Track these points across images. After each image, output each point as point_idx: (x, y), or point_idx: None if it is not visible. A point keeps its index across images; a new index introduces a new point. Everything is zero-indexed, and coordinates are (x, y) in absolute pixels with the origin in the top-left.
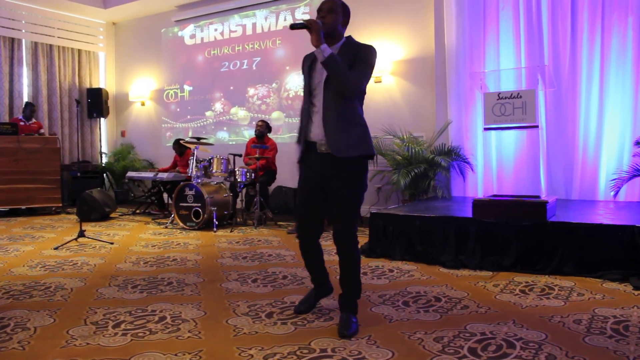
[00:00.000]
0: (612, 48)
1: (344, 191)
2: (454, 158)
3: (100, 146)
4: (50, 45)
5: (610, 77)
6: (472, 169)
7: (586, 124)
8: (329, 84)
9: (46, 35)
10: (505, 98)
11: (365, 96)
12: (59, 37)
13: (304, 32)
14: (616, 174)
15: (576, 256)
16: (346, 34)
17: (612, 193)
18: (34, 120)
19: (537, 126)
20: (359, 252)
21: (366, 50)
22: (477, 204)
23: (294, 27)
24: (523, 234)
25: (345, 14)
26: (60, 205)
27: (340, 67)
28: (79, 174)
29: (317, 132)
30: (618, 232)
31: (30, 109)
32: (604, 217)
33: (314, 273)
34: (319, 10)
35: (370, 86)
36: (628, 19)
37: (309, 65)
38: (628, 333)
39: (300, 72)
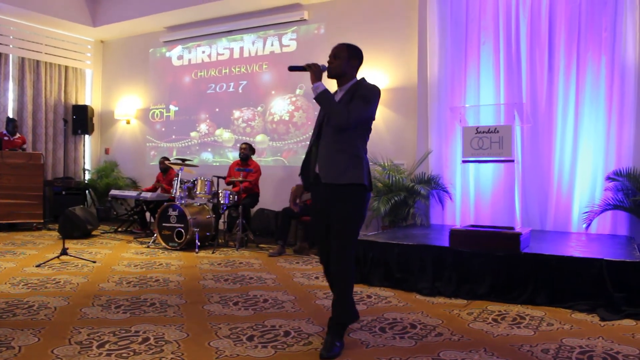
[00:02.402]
0: (587, 85)
1: (338, 220)
2: (433, 187)
3: (84, 163)
4: (37, 61)
5: (584, 114)
6: (450, 198)
7: (561, 158)
8: (328, 119)
9: (33, 51)
10: (483, 132)
11: None
12: (46, 53)
13: (291, 59)
14: (589, 207)
15: (548, 287)
16: None
17: (585, 225)
18: (18, 135)
19: (512, 160)
20: (352, 280)
21: (366, 88)
22: (454, 234)
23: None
24: (497, 264)
25: (352, 57)
26: (42, 221)
27: (330, 102)
28: (64, 192)
29: (319, 163)
30: (587, 265)
31: (13, 124)
32: (575, 249)
33: None
34: (329, 56)
35: None
36: (601, 58)
37: None
38: None
39: (286, 97)
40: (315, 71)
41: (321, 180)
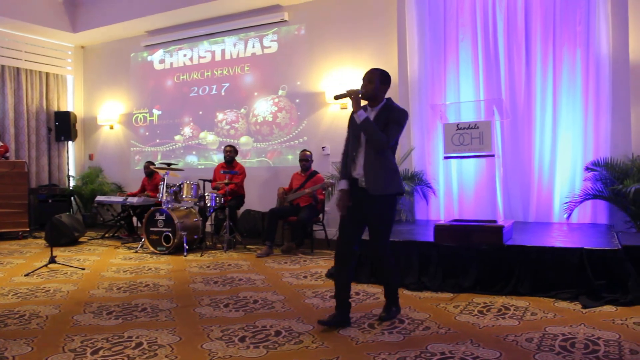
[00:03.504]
0: (563, 79)
1: (378, 220)
2: (417, 183)
3: (68, 169)
4: (18, 69)
5: (562, 107)
6: (434, 194)
7: (541, 151)
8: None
9: (13, 58)
10: (464, 129)
11: (332, 122)
12: (26, 60)
13: (273, 61)
14: (569, 197)
15: (531, 277)
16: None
17: (566, 215)
18: (0, 143)
19: (493, 155)
20: (393, 261)
21: (398, 113)
22: (438, 229)
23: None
24: (481, 257)
25: (383, 81)
26: (28, 229)
27: (372, 130)
28: (50, 200)
29: (359, 171)
30: (568, 254)
31: None
32: (556, 239)
33: (342, 289)
34: (363, 79)
35: (337, 112)
36: (576, 51)
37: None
38: (574, 350)
39: (269, 98)
40: (355, 98)
41: (359, 185)
